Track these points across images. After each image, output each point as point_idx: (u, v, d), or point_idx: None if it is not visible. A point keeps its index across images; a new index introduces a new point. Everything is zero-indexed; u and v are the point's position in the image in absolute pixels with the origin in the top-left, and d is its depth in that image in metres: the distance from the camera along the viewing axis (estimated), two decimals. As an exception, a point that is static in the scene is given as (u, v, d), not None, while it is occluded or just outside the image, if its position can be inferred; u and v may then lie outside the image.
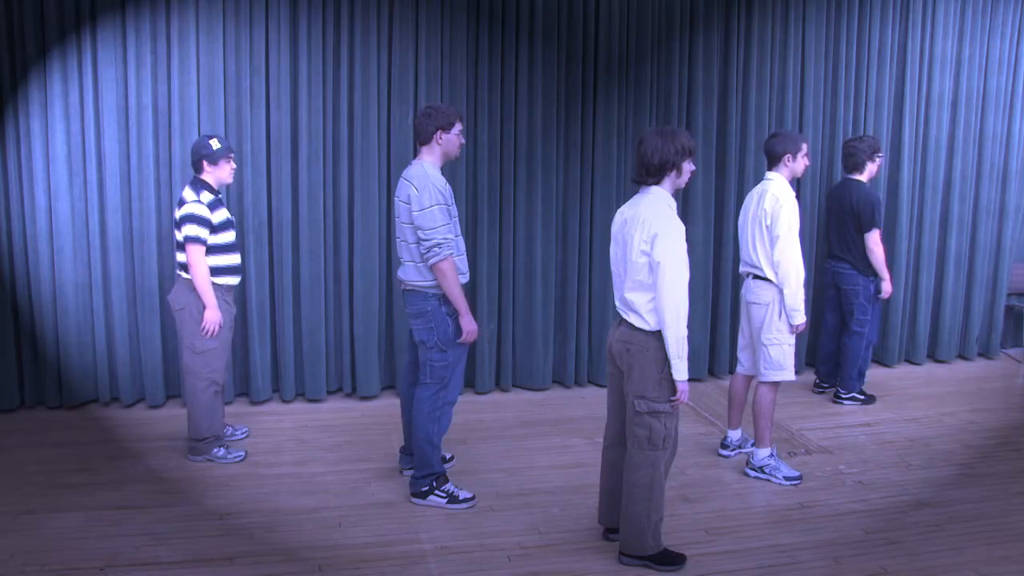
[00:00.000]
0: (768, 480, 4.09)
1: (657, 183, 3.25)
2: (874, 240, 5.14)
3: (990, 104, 6.15)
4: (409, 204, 3.65)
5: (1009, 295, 6.54)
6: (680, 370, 3.15)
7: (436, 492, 3.79)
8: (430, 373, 3.77)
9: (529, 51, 5.31)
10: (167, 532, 3.49)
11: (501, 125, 5.35)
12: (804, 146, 4.29)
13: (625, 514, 3.24)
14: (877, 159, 5.28)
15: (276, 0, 4.95)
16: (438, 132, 3.70)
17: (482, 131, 5.31)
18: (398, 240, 3.83)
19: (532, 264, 5.46)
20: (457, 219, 3.82)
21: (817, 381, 5.62)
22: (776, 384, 4.14)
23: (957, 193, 6.18)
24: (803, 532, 3.59)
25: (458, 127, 3.75)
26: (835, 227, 5.35)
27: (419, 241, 3.65)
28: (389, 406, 5.14)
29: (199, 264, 4.07)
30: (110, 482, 4.00)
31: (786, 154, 4.22)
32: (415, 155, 5.27)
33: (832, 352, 5.52)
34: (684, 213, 5.73)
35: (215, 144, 4.17)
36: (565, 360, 5.65)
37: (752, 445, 4.29)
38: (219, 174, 4.21)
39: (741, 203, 5.71)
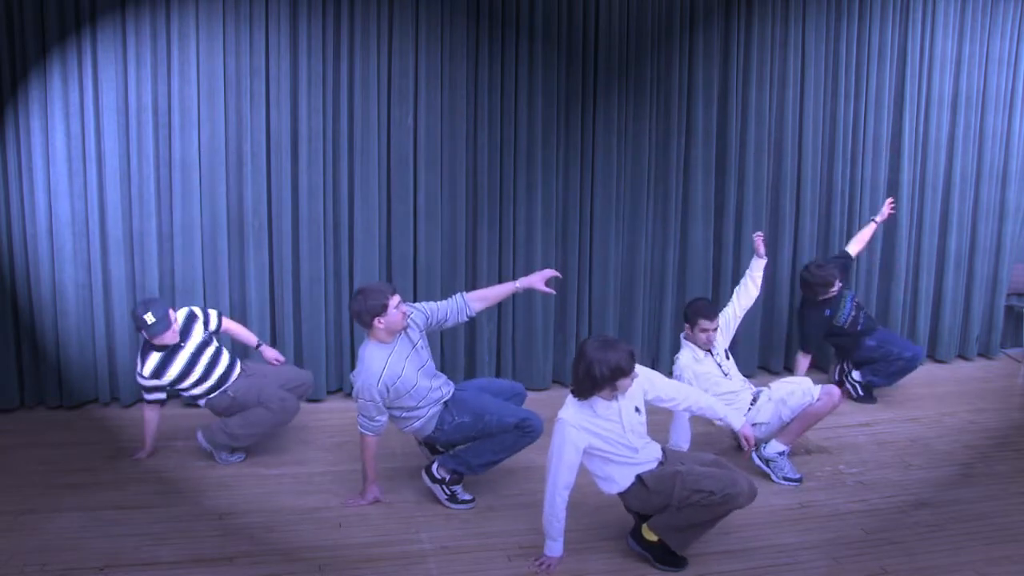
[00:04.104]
0: (769, 475, 4.09)
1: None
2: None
3: (990, 104, 6.14)
4: None
5: (1009, 295, 6.53)
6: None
7: (445, 485, 3.80)
8: (494, 432, 3.81)
9: (529, 51, 5.31)
10: (167, 532, 3.50)
11: (501, 125, 5.35)
12: None
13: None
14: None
15: (276, 0, 4.95)
16: (375, 320, 3.66)
17: (482, 131, 5.31)
18: None
19: (532, 264, 5.45)
20: (425, 370, 3.82)
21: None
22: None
23: (957, 193, 6.18)
24: (803, 532, 3.59)
25: (392, 303, 3.64)
26: None
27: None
28: (389, 406, 5.13)
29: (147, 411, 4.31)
30: (110, 482, 4.00)
31: None
32: (413, 160, 5.30)
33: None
34: (684, 213, 5.73)
35: (149, 319, 4.06)
36: (565, 360, 5.64)
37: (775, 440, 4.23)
38: (162, 340, 4.16)
39: (741, 203, 5.75)
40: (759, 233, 4.68)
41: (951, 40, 5.99)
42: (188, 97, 4.89)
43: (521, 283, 3.95)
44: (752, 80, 5.65)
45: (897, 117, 6.00)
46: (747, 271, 4.61)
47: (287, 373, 4.54)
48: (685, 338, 4.33)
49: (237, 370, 4.38)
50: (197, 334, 4.29)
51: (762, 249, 4.59)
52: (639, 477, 3.28)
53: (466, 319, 3.94)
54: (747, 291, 4.57)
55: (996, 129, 6.18)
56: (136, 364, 4.25)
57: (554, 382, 5.69)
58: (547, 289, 3.95)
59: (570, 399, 3.29)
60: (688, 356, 4.28)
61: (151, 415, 4.32)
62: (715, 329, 4.24)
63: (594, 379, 3.11)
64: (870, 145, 5.93)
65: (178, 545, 3.39)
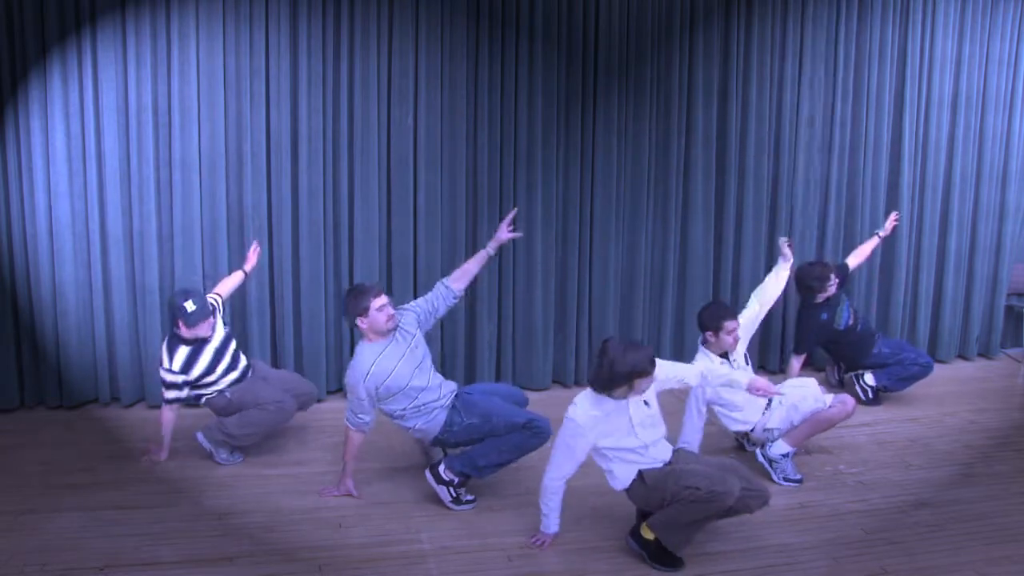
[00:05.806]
0: (770, 474, 4.08)
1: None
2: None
3: (990, 104, 6.14)
4: None
5: (1009, 295, 6.54)
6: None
7: (452, 487, 3.79)
8: (501, 432, 3.78)
9: (529, 51, 5.31)
10: (167, 532, 3.50)
11: (501, 125, 5.35)
12: None
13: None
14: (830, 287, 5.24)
15: (276, 0, 4.95)
16: (358, 320, 3.76)
17: (482, 131, 5.31)
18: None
19: (532, 264, 5.46)
20: (421, 371, 3.84)
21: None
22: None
23: (957, 193, 6.18)
24: (803, 532, 3.59)
25: (375, 304, 3.73)
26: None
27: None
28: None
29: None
30: (110, 482, 4.00)
31: None
32: (413, 160, 5.25)
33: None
34: (684, 213, 5.73)
35: (190, 306, 4.10)
36: (565, 360, 5.65)
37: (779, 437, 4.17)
38: (196, 332, 4.18)
39: (741, 203, 5.75)
40: (785, 238, 4.60)
41: (951, 41, 5.99)
42: (188, 97, 4.89)
43: (491, 246, 4.05)
44: (752, 80, 5.65)
45: (897, 118, 6.00)
46: (772, 271, 4.47)
47: (293, 381, 4.54)
48: (703, 344, 4.06)
49: (251, 371, 4.41)
50: (219, 327, 4.33)
51: (788, 252, 4.45)
52: (640, 473, 3.30)
53: (455, 301, 4.03)
54: (771, 289, 4.39)
55: (996, 130, 6.18)
56: (161, 359, 4.17)
57: (554, 382, 5.69)
58: (513, 235, 4.05)
59: (583, 394, 3.33)
60: (705, 364, 3.98)
61: (169, 416, 4.25)
62: (738, 328, 4.06)
63: (613, 376, 3.17)
64: (870, 145, 5.93)
65: (178, 545, 3.39)
